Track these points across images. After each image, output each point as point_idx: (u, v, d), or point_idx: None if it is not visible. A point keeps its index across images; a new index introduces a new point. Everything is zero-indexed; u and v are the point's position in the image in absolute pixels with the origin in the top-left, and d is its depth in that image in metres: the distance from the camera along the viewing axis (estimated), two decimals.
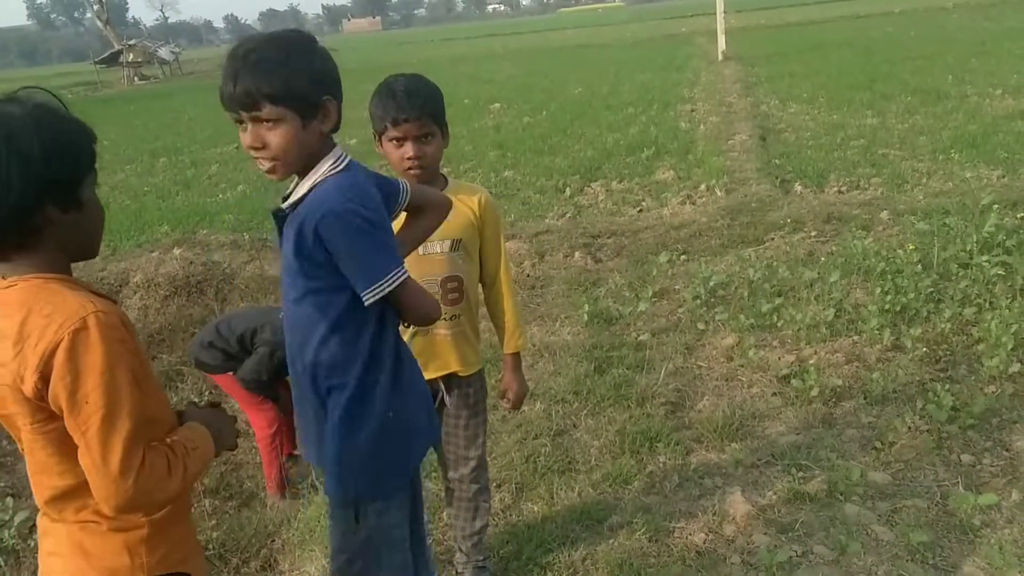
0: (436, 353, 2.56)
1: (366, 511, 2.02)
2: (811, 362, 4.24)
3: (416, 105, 2.35)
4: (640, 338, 4.83)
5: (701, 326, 4.90)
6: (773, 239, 6.42)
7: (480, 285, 2.68)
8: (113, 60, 48.72)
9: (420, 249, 2.43)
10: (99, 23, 56.89)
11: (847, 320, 4.65)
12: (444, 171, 2.63)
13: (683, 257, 6.30)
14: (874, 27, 28.11)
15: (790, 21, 38.40)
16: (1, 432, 5.93)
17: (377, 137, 2.44)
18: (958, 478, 3.22)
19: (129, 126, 20.24)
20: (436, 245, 2.48)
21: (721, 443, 3.61)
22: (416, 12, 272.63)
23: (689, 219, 7.20)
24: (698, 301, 5.22)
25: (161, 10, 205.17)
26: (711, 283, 5.32)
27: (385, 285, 1.83)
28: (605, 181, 8.97)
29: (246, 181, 11.05)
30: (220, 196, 10.29)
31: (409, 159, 2.39)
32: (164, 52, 49.84)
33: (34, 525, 4.76)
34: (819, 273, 5.31)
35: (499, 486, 3.41)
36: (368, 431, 1.95)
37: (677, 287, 5.65)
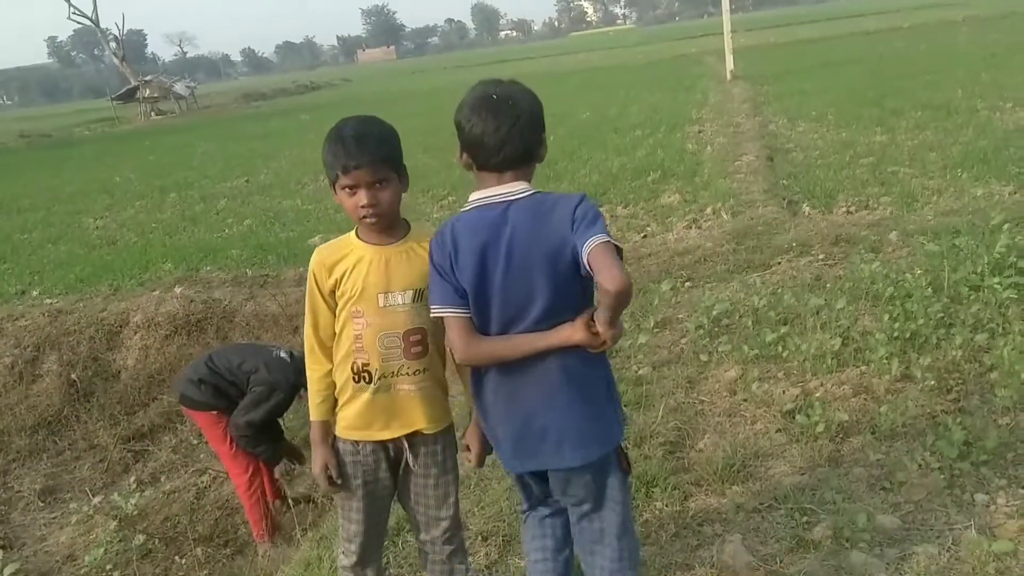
0: (399, 410, 2.45)
1: None
2: (817, 395, 4.08)
3: (367, 150, 2.26)
4: (640, 372, 4.68)
5: (704, 357, 4.74)
6: (780, 263, 6.26)
7: None
8: (130, 96, 49.30)
9: (381, 301, 2.35)
10: (116, 60, 57.63)
11: (854, 349, 4.47)
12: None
13: (687, 284, 6.16)
14: (884, 43, 27.93)
15: (800, 38, 38.33)
16: None
17: (332, 186, 2.35)
18: (971, 520, 3.04)
19: (143, 162, 20.36)
20: (398, 296, 2.38)
21: (722, 486, 3.45)
22: (430, 40, 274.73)
23: (694, 244, 7.06)
24: (701, 331, 5.07)
25: (179, 45, 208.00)
26: (714, 312, 5.17)
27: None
28: (610, 207, 8.84)
29: (253, 215, 11.02)
30: (227, 231, 10.27)
31: (363, 207, 2.29)
32: (180, 87, 50.35)
33: None
34: (826, 299, 5.14)
35: (486, 539, 3.27)
36: None
37: (680, 316, 5.50)
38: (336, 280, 2.39)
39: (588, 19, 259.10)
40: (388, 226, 2.38)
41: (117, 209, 13.18)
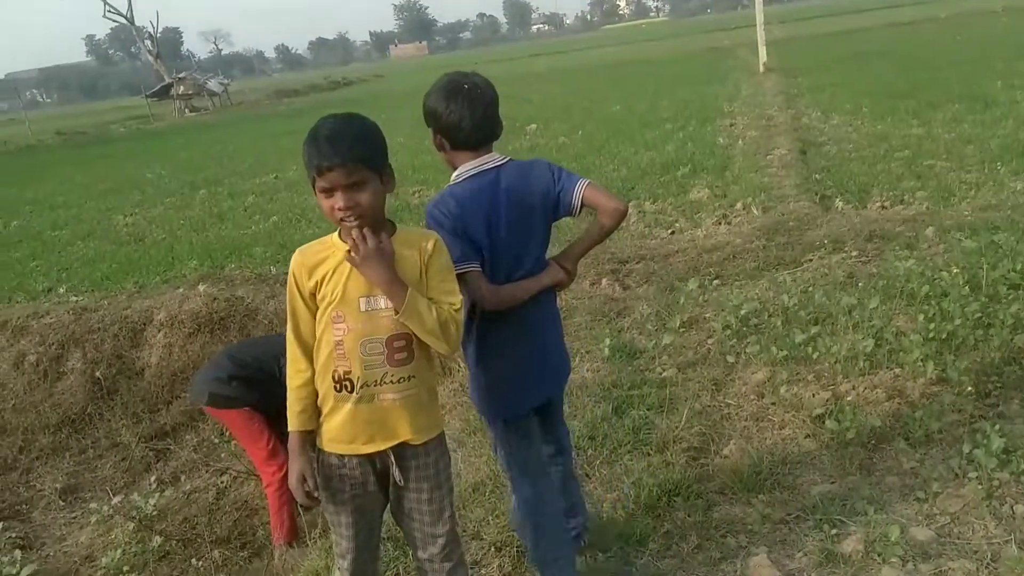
0: (383, 421, 2.32)
1: None
2: (848, 399, 3.92)
3: (341, 150, 2.14)
4: (664, 374, 4.54)
5: (731, 359, 4.59)
6: (811, 260, 6.08)
7: None
8: (164, 93, 49.75)
9: (363, 305, 2.25)
10: (150, 58, 58.27)
11: (888, 350, 4.30)
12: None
13: (716, 282, 6.00)
14: (919, 34, 27.46)
15: (834, 30, 37.74)
16: (19, 480, 5.89)
17: (312, 187, 2.24)
18: (1011, 534, 2.88)
19: (175, 159, 20.47)
20: (381, 300, 2.26)
21: (747, 495, 3.31)
22: (462, 35, 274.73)
23: (723, 241, 6.89)
24: (728, 331, 4.91)
25: (215, 43, 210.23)
26: (742, 311, 5.02)
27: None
28: (637, 202, 8.68)
29: (280, 212, 11.00)
30: (253, 228, 10.23)
31: (339, 210, 2.18)
32: (213, 84, 50.70)
33: None
34: (858, 298, 4.98)
35: (499, 550, 3.16)
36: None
37: (707, 315, 5.35)
38: (317, 283, 2.28)
39: (620, 12, 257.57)
40: (370, 229, 2.24)
41: (147, 206, 13.23)
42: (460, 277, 2.43)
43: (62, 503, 5.54)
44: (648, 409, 4.10)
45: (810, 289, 5.32)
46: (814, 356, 4.38)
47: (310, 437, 2.39)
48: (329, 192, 2.18)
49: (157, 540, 4.66)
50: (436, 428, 2.44)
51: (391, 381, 2.29)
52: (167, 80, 49.88)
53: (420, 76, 56.51)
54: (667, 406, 4.11)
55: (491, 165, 2.59)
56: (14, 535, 5.11)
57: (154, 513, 5.01)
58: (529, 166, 2.68)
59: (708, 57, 31.75)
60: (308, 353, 2.35)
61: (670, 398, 4.19)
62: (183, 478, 5.57)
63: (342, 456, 2.37)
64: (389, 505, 2.48)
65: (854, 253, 6.05)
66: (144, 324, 7.03)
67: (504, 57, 70.10)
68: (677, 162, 10.26)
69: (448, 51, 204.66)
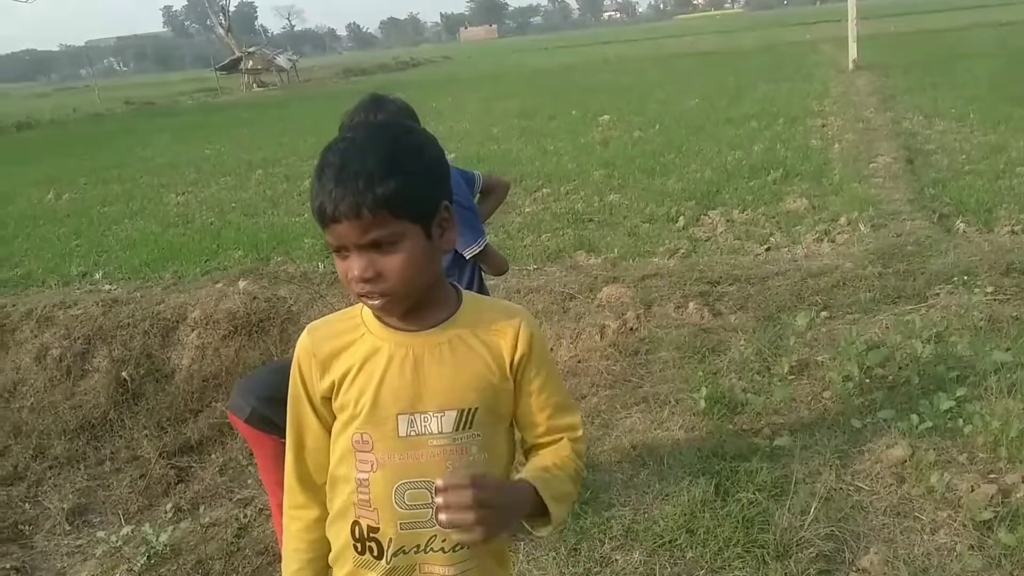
0: None
1: None
2: (1019, 495, 3.06)
3: (352, 190, 1.33)
4: (776, 441, 3.70)
5: (856, 423, 3.74)
6: (939, 295, 5.18)
7: (522, 452, 1.64)
8: (234, 67, 50.10)
9: (403, 427, 1.44)
10: (221, 31, 58.51)
11: None
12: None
13: (824, 314, 5.13)
14: (1020, 35, 25.74)
15: (923, 28, 35.87)
16: (26, 493, 5.29)
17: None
18: None
19: (237, 134, 20.08)
20: (431, 420, 1.46)
21: None
22: (532, 20, 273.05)
23: (830, 263, 6.00)
24: (851, 384, 4.06)
25: (288, 18, 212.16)
26: (869, 361, 4.14)
27: None
28: (725, 209, 7.83)
29: None
30: (305, 215, 9.60)
31: (355, 281, 1.39)
32: (281, 59, 50.71)
33: None
34: (1009, 349, 4.10)
35: None
36: None
37: (819, 358, 4.49)
38: (334, 383, 1.50)
39: (695, 2, 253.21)
40: (414, 307, 1.46)
41: (201, 185, 12.74)
42: (483, 251, 3.02)
43: (68, 527, 4.92)
44: (759, 490, 3.26)
45: (946, 335, 4.44)
46: (965, 430, 3.52)
47: None
48: (341, 253, 1.42)
49: None
50: None
51: (441, 548, 1.49)
52: (237, 54, 50.01)
53: (490, 59, 55.90)
54: (784, 488, 3.28)
55: None
56: (9, 565, 4.51)
57: (165, 550, 4.37)
58: None
59: (789, 51, 30.36)
60: (314, 485, 1.58)
61: (786, 476, 3.36)
62: (203, 508, 4.91)
63: None
64: None
65: (989, 289, 5.13)
66: (177, 322, 6.42)
67: (574, 43, 68.90)
68: (767, 165, 9.35)
69: (518, 35, 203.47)
